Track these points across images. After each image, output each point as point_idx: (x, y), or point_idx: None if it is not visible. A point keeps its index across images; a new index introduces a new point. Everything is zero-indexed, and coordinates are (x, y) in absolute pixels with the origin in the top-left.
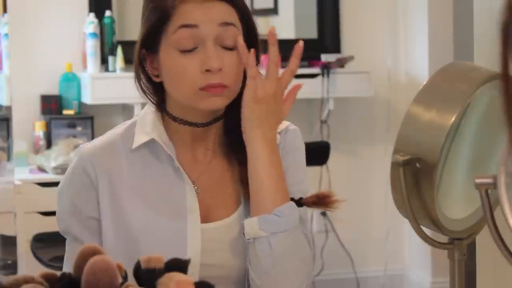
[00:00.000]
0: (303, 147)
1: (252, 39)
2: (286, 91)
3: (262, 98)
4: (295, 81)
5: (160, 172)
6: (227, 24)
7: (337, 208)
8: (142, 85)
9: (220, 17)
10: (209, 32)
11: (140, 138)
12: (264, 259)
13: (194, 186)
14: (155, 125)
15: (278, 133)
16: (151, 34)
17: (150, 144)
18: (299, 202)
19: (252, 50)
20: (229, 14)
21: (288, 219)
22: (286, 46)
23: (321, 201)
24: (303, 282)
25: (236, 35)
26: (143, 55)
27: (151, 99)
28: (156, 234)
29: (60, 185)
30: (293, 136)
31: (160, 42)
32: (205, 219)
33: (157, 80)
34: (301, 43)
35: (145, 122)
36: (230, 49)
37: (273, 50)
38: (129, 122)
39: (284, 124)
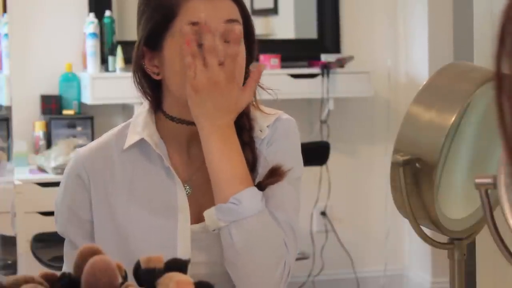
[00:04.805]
0: (296, 137)
1: (250, 37)
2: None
3: (202, 88)
4: (295, 82)
5: (151, 172)
6: (232, 20)
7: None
8: (143, 83)
9: (226, 13)
10: (216, 28)
11: (131, 138)
12: (228, 249)
13: (185, 185)
14: (146, 125)
15: (267, 126)
16: (155, 31)
17: (141, 144)
18: (260, 186)
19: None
20: (234, 10)
21: (248, 205)
22: (286, 46)
23: (275, 175)
24: (276, 267)
25: (240, 30)
26: (143, 52)
27: (148, 98)
28: (147, 233)
29: (58, 190)
30: (285, 124)
31: (164, 39)
32: (197, 217)
33: (157, 78)
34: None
35: (138, 122)
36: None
37: (208, 38)
38: (125, 122)
39: (276, 114)
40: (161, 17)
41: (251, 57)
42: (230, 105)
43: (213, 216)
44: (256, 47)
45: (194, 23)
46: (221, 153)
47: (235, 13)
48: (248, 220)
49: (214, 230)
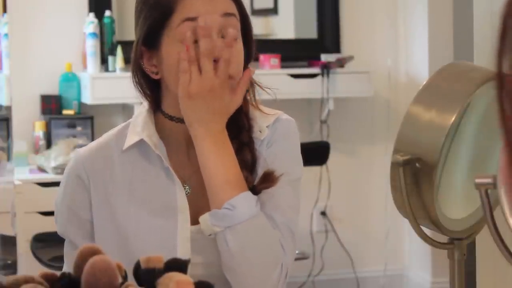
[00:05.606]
0: (296, 137)
1: (247, 35)
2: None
3: (196, 94)
4: (295, 82)
5: (151, 172)
6: (229, 14)
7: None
8: (142, 83)
9: (223, 7)
10: (213, 23)
11: (130, 139)
12: (224, 254)
13: (185, 186)
14: (145, 126)
15: (267, 126)
16: (153, 30)
17: (141, 145)
18: (254, 190)
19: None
20: (231, 6)
21: (242, 211)
22: (286, 46)
23: (268, 180)
24: (273, 270)
25: (237, 25)
26: (141, 52)
27: (147, 98)
28: (147, 234)
29: (58, 190)
30: (285, 125)
31: (162, 37)
32: (195, 218)
33: (156, 77)
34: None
35: (137, 122)
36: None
37: (205, 42)
38: (125, 123)
39: (276, 114)
40: (159, 14)
41: (249, 56)
42: (222, 108)
43: (207, 222)
44: (254, 45)
45: (191, 19)
46: (216, 158)
47: (232, 8)
48: (243, 225)
49: (210, 235)
